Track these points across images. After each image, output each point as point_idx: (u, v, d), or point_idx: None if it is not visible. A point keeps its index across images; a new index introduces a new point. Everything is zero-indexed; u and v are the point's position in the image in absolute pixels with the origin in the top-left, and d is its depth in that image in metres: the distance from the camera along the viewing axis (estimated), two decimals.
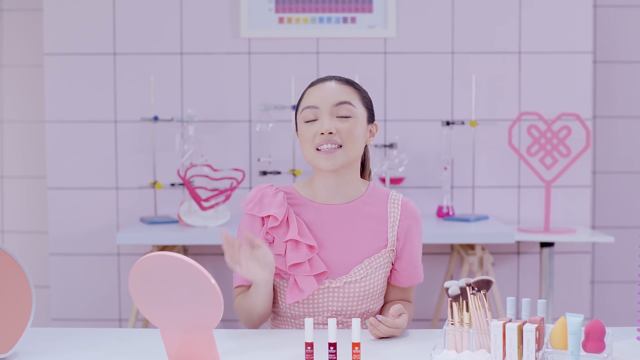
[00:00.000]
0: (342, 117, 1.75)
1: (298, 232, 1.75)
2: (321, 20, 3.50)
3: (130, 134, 3.48)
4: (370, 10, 3.49)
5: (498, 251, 3.54)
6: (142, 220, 3.33)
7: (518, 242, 3.53)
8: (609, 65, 3.73)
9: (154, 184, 3.33)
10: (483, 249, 3.20)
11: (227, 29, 3.50)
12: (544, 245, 3.27)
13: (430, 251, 3.50)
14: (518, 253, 3.56)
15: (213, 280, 1.31)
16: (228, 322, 3.44)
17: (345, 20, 3.50)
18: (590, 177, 3.58)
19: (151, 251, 3.19)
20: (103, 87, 3.49)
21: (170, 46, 3.49)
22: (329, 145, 1.73)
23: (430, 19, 3.50)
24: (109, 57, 3.49)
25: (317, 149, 1.74)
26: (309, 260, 1.73)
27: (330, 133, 1.72)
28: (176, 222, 3.27)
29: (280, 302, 1.79)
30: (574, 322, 1.34)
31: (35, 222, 3.75)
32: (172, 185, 3.38)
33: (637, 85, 3.74)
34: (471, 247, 3.26)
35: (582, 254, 3.56)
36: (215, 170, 3.30)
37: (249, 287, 1.81)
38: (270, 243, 1.77)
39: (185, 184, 3.18)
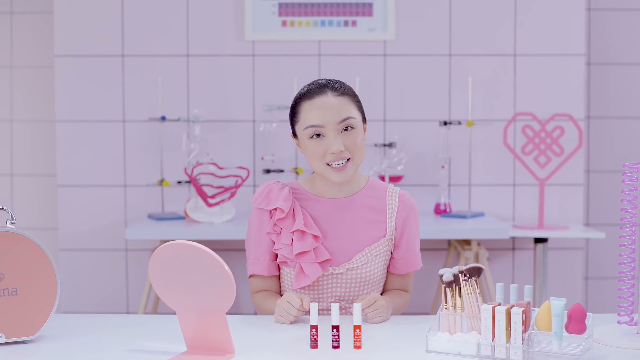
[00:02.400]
0: (346, 131, 1.84)
1: (303, 223, 1.87)
2: (323, 23, 3.61)
3: (139, 133, 3.60)
4: (370, 14, 3.61)
5: (494, 247, 3.65)
6: (150, 216, 3.44)
7: (513, 238, 3.64)
8: (603, 67, 3.84)
9: (161, 182, 3.45)
10: (479, 244, 3.32)
11: (231, 32, 3.61)
12: (538, 241, 3.39)
13: (428, 247, 3.62)
14: (513, 249, 3.68)
15: (226, 267, 1.43)
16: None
17: (346, 23, 3.61)
18: (583, 176, 3.69)
19: (159, 246, 3.31)
20: (112, 87, 3.60)
21: (176, 48, 3.60)
22: (340, 162, 1.84)
23: (428, 22, 3.62)
24: (118, 58, 3.60)
25: (328, 164, 1.84)
26: (314, 249, 1.86)
27: (341, 151, 1.83)
28: (183, 218, 3.39)
29: (287, 289, 1.91)
30: (557, 306, 1.46)
31: (46, 218, 3.86)
32: (179, 182, 3.50)
33: (630, 87, 3.85)
34: (467, 242, 3.37)
35: (576, 250, 3.68)
36: (220, 168, 3.42)
37: (266, 277, 1.94)
38: (278, 234, 1.90)
39: (192, 181, 3.30)
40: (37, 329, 1.63)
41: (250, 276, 1.97)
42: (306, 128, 1.85)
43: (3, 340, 1.60)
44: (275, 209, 1.90)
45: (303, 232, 1.87)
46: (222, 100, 3.61)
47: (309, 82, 1.93)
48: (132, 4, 3.59)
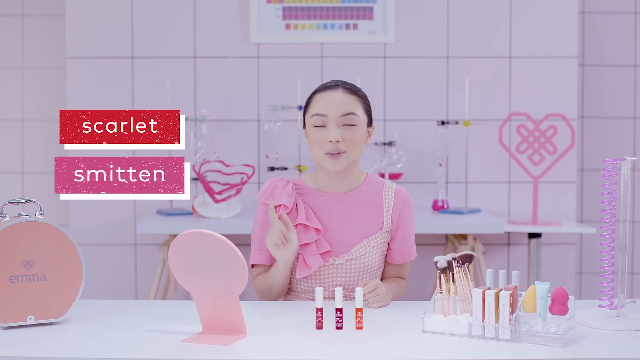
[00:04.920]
0: (347, 125, 2.00)
1: (306, 217, 2.01)
2: (325, 26, 3.75)
3: None
4: (371, 18, 3.74)
5: (489, 242, 3.78)
6: (159, 212, 3.58)
7: (508, 234, 3.77)
8: (596, 68, 3.97)
9: None
10: (475, 239, 3.45)
11: (237, 35, 3.74)
12: (532, 236, 3.52)
13: (426, 241, 3.75)
14: (508, 244, 3.81)
15: (240, 253, 1.57)
16: None
17: (347, 26, 3.75)
18: (576, 174, 3.82)
19: (168, 240, 3.45)
20: (122, 88, 3.73)
21: (184, 50, 3.74)
22: (336, 152, 1.99)
23: (427, 25, 3.75)
24: (127, 60, 3.74)
25: (325, 153, 2.00)
26: (315, 241, 2.00)
27: (338, 142, 1.98)
28: (191, 214, 3.52)
29: (292, 279, 2.05)
30: (542, 289, 1.59)
31: (57, 215, 3.99)
32: None
33: (622, 87, 3.98)
34: (464, 237, 3.50)
35: (569, 245, 3.81)
36: (227, 165, 3.55)
37: (267, 266, 2.07)
38: None
39: (200, 178, 3.43)
40: (64, 311, 1.77)
41: (253, 266, 2.10)
42: (312, 116, 2.01)
43: (32, 321, 1.74)
44: (280, 205, 2.04)
45: (305, 225, 2.01)
46: (228, 101, 3.75)
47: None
48: (141, 7, 3.72)
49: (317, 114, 2.00)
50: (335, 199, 2.06)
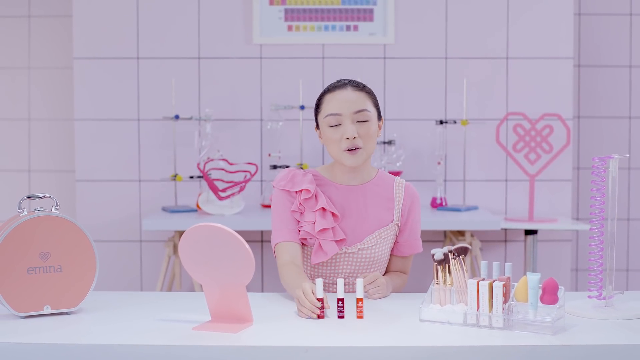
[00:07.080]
0: (361, 122, 2.08)
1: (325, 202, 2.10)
2: (326, 28, 3.83)
3: (154, 131, 3.82)
4: (371, 19, 3.83)
5: (487, 239, 3.86)
6: (164, 209, 3.66)
7: (505, 230, 3.86)
8: (592, 69, 4.06)
9: (174, 177, 3.67)
10: (472, 235, 3.54)
11: (240, 36, 3.83)
12: (528, 233, 3.60)
13: (425, 238, 3.77)
14: (505, 241, 3.89)
15: (247, 245, 1.66)
16: None
17: (348, 28, 3.83)
18: (571, 172, 3.90)
19: (173, 237, 3.53)
20: (128, 88, 3.82)
21: (189, 51, 3.82)
22: (354, 147, 2.06)
23: (426, 27, 3.83)
24: (133, 60, 3.82)
25: (343, 150, 2.07)
26: (332, 228, 2.08)
27: (354, 138, 2.06)
28: (195, 211, 3.60)
29: (305, 265, 2.13)
30: (533, 280, 1.68)
31: (63, 212, 4.07)
32: (191, 177, 3.72)
33: (617, 88, 4.07)
34: (462, 234, 3.59)
35: (564, 242, 3.90)
36: (230, 164, 3.63)
37: (296, 244, 2.08)
38: (301, 213, 2.11)
39: (204, 176, 3.51)
40: (79, 301, 1.85)
41: (282, 242, 2.08)
42: (326, 116, 2.09)
43: (49, 311, 1.82)
44: (301, 190, 2.11)
45: (325, 210, 2.09)
46: (231, 100, 3.83)
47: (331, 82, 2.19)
48: (147, 9, 3.80)
49: (331, 114, 2.08)
50: (349, 191, 2.15)
